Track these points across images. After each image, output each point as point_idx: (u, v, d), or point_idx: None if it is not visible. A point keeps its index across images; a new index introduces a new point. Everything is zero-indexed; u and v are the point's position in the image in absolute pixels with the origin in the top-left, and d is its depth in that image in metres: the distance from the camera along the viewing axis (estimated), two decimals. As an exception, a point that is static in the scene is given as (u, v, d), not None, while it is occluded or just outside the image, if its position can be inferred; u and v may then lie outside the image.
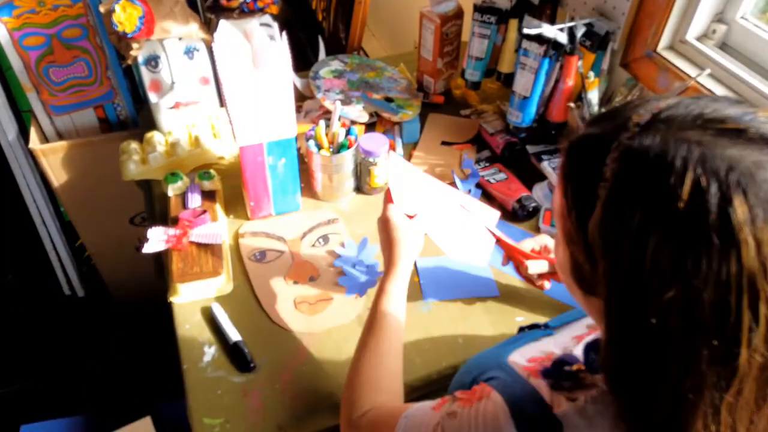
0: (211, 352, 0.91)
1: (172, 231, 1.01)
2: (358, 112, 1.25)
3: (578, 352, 0.57)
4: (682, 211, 0.37)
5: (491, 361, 0.61)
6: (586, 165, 0.45)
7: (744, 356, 0.38)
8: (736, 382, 0.39)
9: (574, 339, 0.62)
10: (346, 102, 1.27)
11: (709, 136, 0.39)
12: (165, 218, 1.09)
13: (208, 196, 1.11)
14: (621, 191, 0.41)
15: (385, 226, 0.84)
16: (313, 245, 1.07)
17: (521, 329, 0.76)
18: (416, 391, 0.89)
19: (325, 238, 1.08)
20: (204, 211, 1.06)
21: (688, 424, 0.41)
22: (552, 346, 0.62)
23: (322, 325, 0.95)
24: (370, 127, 1.29)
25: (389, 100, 1.32)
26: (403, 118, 1.27)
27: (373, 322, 0.75)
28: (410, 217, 0.86)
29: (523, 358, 0.59)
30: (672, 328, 0.40)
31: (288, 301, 0.98)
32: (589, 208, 0.43)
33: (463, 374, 0.66)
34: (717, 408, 0.40)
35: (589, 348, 0.53)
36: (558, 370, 0.53)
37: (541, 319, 0.88)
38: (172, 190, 1.11)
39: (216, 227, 1.03)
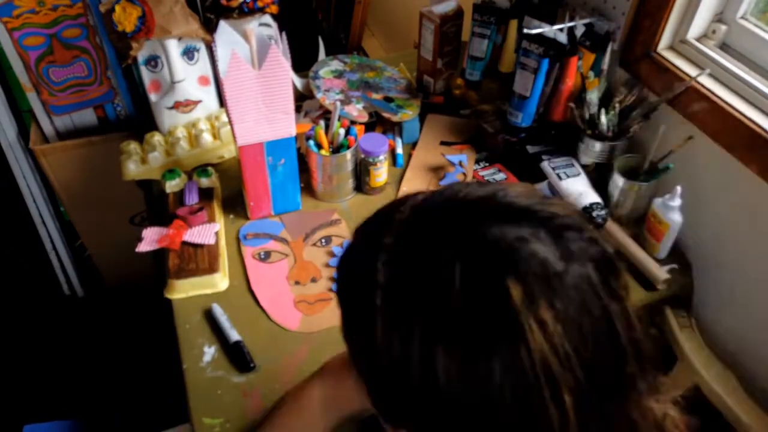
0: (211, 352, 0.91)
1: (165, 231, 1.02)
2: (358, 112, 1.25)
3: None
4: (459, 310, 0.34)
5: None
6: (357, 279, 0.42)
7: None
8: None
9: None
10: (346, 102, 1.27)
11: (468, 221, 0.37)
12: (163, 216, 1.09)
13: (206, 193, 1.11)
14: (395, 302, 0.38)
15: None
16: (315, 245, 1.07)
17: None
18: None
19: (328, 239, 1.08)
20: (201, 208, 1.06)
21: None
22: None
23: (321, 324, 0.95)
24: (369, 127, 1.29)
25: (389, 100, 1.32)
26: (403, 118, 1.27)
27: None
28: None
29: None
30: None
31: (288, 300, 0.98)
32: (369, 327, 0.39)
33: None
34: None
35: None
36: None
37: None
38: (169, 187, 1.12)
39: (210, 228, 1.03)
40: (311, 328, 0.94)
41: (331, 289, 1.00)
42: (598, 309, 0.35)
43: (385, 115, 1.27)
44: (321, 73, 1.35)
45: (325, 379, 0.65)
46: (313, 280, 1.01)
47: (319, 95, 1.27)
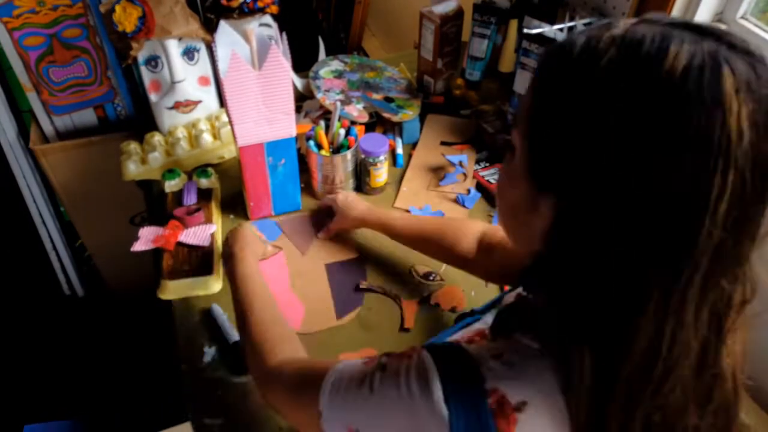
0: (210, 352, 0.91)
1: (161, 231, 1.02)
2: (359, 113, 1.25)
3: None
4: (679, 78, 0.41)
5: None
6: (574, 59, 0.46)
7: (705, 228, 0.41)
8: (691, 265, 0.42)
9: None
10: (346, 102, 1.27)
11: (693, 33, 0.43)
12: (162, 217, 1.09)
13: (205, 194, 1.11)
14: (619, 71, 0.43)
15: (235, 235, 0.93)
16: (315, 246, 1.07)
17: (457, 318, 0.79)
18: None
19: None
20: (198, 209, 1.06)
21: (637, 315, 0.43)
22: (482, 327, 0.65)
23: (321, 324, 0.95)
24: (369, 127, 1.29)
25: (389, 100, 1.32)
26: (404, 118, 1.27)
27: (245, 294, 0.80)
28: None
29: (454, 338, 0.62)
30: (644, 195, 0.41)
31: (289, 300, 0.98)
32: (575, 98, 0.45)
33: None
34: (667, 296, 0.42)
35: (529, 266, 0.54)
36: (505, 317, 0.57)
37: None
38: (168, 187, 1.12)
39: (206, 229, 1.03)
40: (312, 328, 0.94)
41: (332, 288, 1.00)
42: None
43: (386, 115, 1.27)
44: (321, 73, 1.35)
45: None
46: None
47: (319, 95, 1.27)
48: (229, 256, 0.87)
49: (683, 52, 0.41)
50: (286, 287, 1.00)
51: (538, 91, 0.49)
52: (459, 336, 0.63)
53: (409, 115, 1.28)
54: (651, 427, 0.46)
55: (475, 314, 0.72)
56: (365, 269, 1.03)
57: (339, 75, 1.36)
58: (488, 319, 0.67)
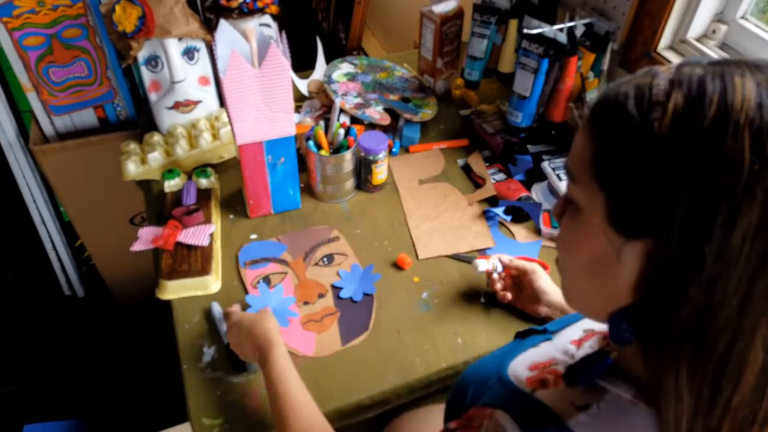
0: (210, 352, 0.91)
1: (160, 231, 1.02)
2: (380, 115, 1.25)
3: (582, 352, 0.57)
4: (755, 108, 0.40)
5: (491, 373, 0.60)
6: (628, 108, 0.45)
7: None
8: None
9: (573, 343, 0.62)
10: (365, 105, 1.26)
11: (747, 66, 0.43)
12: (162, 216, 1.09)
13: (204, 194, 1.11)
14: (688, 113, 0.42)
15: (240, 327, 0.84)
16: (317, 264, 1.04)
17: (518, 334, 0.74)
18: (415, 392, 0.89)
19: (330, 258, 1.05)
20: (197, 209, 1.06)
21: (747, 350, 0.41)
22: (552, 350, 0.61)
23: (332, 347, 0.92)
24: (368, 128, 1.28)
25: (406, 100, 1.31)
26: (423, 117, 1.27)
27: (284, 391, 0.75)
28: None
29: (524, 367, 0.58)
30: (745, 226, 0.40)
31: (297, 323, 0.95)
32: (642, 144, 0.44)
33: (461, 389, 0.65)
34: None
35: (617, 318, 0.49)
36: (588, 368, 0.52)
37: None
38: (168, 187, 1.12)
39: (205, 229, 1.03)
40: (322, 352, 0.91)
41: (339, 297, 0.98)
42: None
43: (406, 115, 1.26)
44: (334, 77, 1.34)
45: None
46: (321, 296, 0.99)
47: (338, 100, 1.26)
48: (260, 352, 0.79)
49: (748, 81, 0.41)
50: (294, 311, 0.97)
51: (601, 147, 0.47)
52: (527, 362, 0.59)
53: (428, 114, 1.28)
54: None
55: (546, 333, 0.67)
56: (374, 287, 1.00)
57: (352, 78, 1.35)
58: (558, 342, 0.63)
